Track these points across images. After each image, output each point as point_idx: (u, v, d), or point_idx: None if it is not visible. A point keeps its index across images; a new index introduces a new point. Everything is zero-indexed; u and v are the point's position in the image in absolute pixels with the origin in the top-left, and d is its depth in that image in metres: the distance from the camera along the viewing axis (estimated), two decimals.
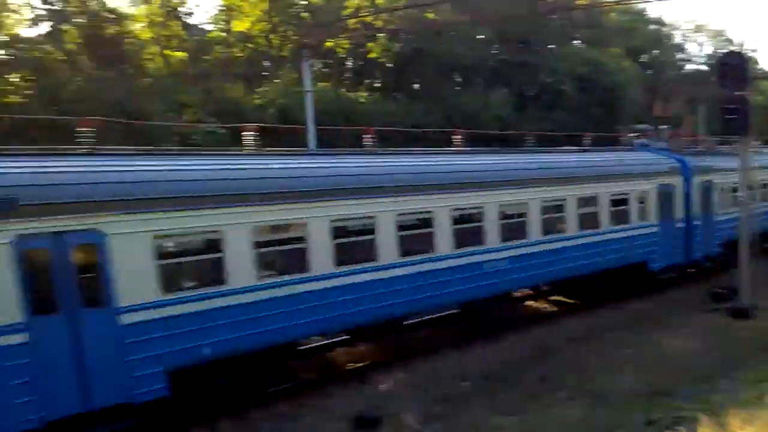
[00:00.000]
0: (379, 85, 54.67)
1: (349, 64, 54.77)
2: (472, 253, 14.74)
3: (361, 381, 12.92)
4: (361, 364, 13.76)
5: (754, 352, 14.35)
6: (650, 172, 19.65)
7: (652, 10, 78.13)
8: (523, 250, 15.75)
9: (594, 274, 17.74)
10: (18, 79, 33.39)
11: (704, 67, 74.18)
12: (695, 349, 15.27)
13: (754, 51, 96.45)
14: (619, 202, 18.38)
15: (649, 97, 60.14)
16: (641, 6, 69.17)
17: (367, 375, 13.24)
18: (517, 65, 55.39)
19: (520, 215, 15.93)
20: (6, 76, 32.70)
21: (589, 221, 17.46)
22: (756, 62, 77.76)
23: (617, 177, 18.34)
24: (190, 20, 48.47)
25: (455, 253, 14.33)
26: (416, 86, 54.16)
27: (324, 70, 53.31)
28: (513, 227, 15.69)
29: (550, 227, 16.42)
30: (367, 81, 54.63)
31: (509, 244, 15.44)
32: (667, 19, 75.92)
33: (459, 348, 14.96)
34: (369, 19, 45.23)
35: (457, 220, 14.35)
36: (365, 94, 48.67)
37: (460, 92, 53.80)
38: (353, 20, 43.16)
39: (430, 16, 46.86)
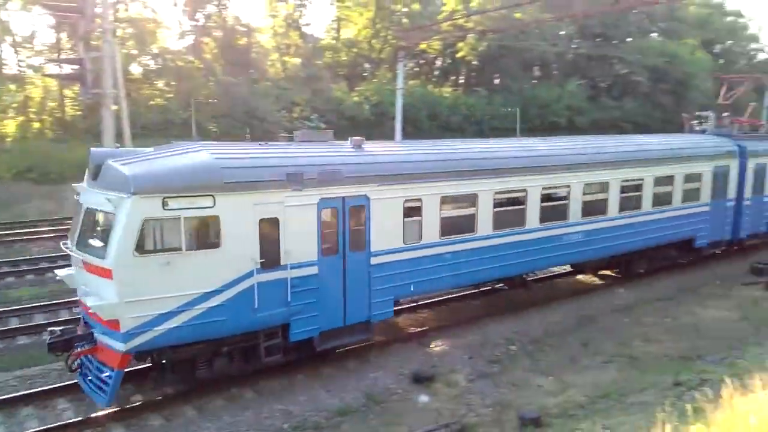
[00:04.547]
0: (463, 80, 53.90)
1: (438, 63, 54.37)
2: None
3: (421, 343, 12.86)
4: (421, 329, 13.61)
5: None
6: (708, 155, 18.55)
7: (731, 2, 71.63)
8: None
9: (660, 246, 17.58)
10: (162, 84, 35.90)
11: None
12: (730, 318, 14.36)
13: None
14: (683, 181, 17.80)
15: (718, 86, 55.66)
16: None
17: (427, 337, 13.16)
18: (595, 58, 52.84)
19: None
20: (155, 82, 35.28)
21: (660, 199, 17.18)
22: None
23: (667, 161, 17.32)
24: (308, 30, 49.70)
25: (556, 223, 14.66)
26: (496, 81, 52.91)
27: (415, 69, 53.27)
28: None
29: (632, 203, 16.47)
30: (452, 78, 54.01)
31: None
32: (744, 11, 69.24)
33: (512, 315, 14.68)
34: (461, 21, 44.64)
35: (547, 197, 14.41)
36: (449, 89, 48.23)
37: (536, 85, 52.10)
38: (447, 23, 42.63)
39: (518, 15, 45.51)
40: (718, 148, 19.03)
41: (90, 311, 9.16)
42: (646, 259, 17.78)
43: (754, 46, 72.01)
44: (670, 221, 17.30)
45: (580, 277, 18.21)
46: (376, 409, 10.31)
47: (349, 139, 11.95)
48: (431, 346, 12.86)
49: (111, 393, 9.05)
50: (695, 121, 23.10)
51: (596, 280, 18.07)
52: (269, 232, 9.92)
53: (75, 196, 10.36)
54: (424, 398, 10.74)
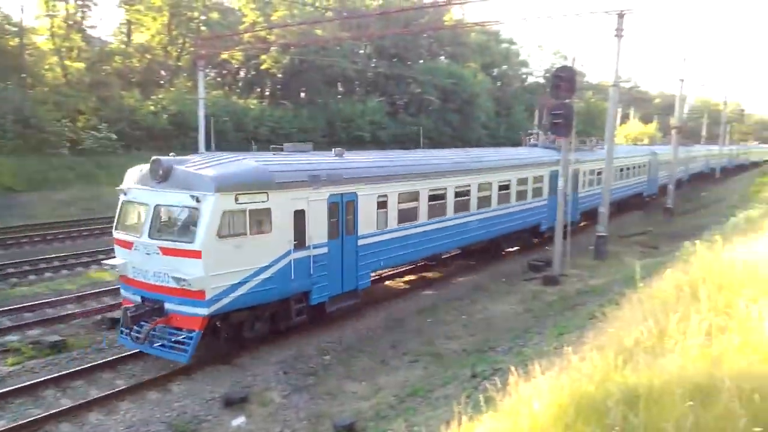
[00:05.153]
0: (269, 93, 53.62)
1: (242, 74, 53.36)
2: (485, 212, 19.88)
3: (232, 364, 12.29)
4: (231, 349, 12.87)
5: (560, 312, 15.11)
6: (546, 162, 23.83)
7: (505, 32, 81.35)
8: (484, 216, 19.91)
9: (503, 236, 21.81)
10: None
11: (542, 80, 78.10)
12: (515, 311, 15.93)
13: (582, 66, 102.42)
14: (532, 182, 22.80)
15: (497, 105, 62.64)
16: (497, 27, 72.07)
17: (239, 357, 12.57)
18: (392, 77, 56.11)
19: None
20: None
21: (520, 195, 21.92)
22: (584, 75, 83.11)
23: (525, 167, 22.45)
24: (94, 32, 45.20)
25: (464, 214, 18.78)
26: (302, 94, 53.58)
27: (218, 79, 51.62)
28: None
29: (505, 199, 21.00)
30: (257, 89, 53.41)
31: (481, 210, 19.65)
32: (516, 39, 79.26)
33: (325, 326, 14.83)
34: (263, 33, 44.28)
35: (458, 194, 18.37)
36: (255, 101, 47.55)
37: (340, 100, 53.82)
38: (248, 34, 41.97)
39: (319, 32, 46.45)
40: (551, 157, 23.91)
41: (159, 287, 11.26)
42: (512, 241, 22.62)
43: (525, 70, 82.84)
44: (527, 212, 22.19)
45: (388, 283, 19.03)
46: None
47: (333, 149, 15.42)
48: (243, 366, 12.39)
49: (191, 350, 11.10)
50: (528, 136, 29.02)
51: (402, 285, 19.04)
52: (299, 220, 12.65)
53: (122, 196, 12.42)
54: (237, 421, 10.31)
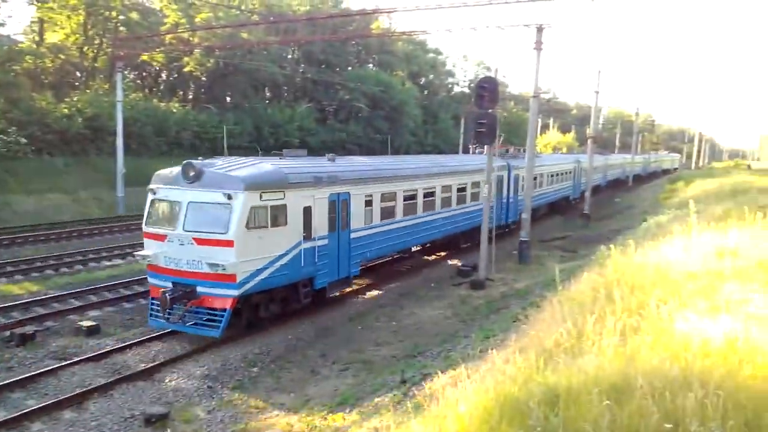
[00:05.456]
0: (192, 96, 52.10)
1: (164, 76, 51.56)
2: (448, 211, 22.62)
3: (153, 379, 11.82)
4: (152, 364, 12.46)
5: (486, 315, 15.49)
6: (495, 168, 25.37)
7: (431, 42, 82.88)
8: (447, 214, 22.52)
9: (454, 234, 24.12)
10: None
11: (467, 90, 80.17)
12: (444, 316, 16.14)
13: (504, 77, 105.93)
14: (477, 186, 24.69)
15: (424, 113, 63.70)
16: (423, 37, 73.34)
17: (160, 372, 12.15)
18: (320, 83, 55.92)
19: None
20: None
21: (475, 196, 24.18)
22: (506, 86, 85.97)
23: (478, 172, 23.95)
24: (2, 31, 42.27)
25: (430, 212, 21.43)
26: (228, 98, 52.41)
27: (137, 81, 49.62)
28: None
29: (463, 199, 23.66)
30: (180, 93, 51.77)
31: (442, 210, 22.20)
32: (443, 49, 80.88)
33: (252, 336, 14.52)
34: (186, 35, 42.95)
35: (426, 195, 20.89)
36: (177, 104, 46.00)
37: (268, 105, 53.07)
38: (170, 35, 40.57)
39: (245, 35, 45.54)
40: (500, 164, 26.41)
41: (192, 273, 13.00)
42: (468, 237, 24.40)
43: (451, 79, 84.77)
44: (480, 211, 22.77)
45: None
46: None
47: (326, 155, 17.91)
48: (166, 380, 11.89)
49: (224, 326, 12.98)
50: (474, 146, 30.57)
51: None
52: (307, 215, 14.62)
53: (152, 195, 13.98)
54: None
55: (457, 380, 8.97)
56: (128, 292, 17.65)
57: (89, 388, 11.10)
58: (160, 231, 13.53)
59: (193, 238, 12.99)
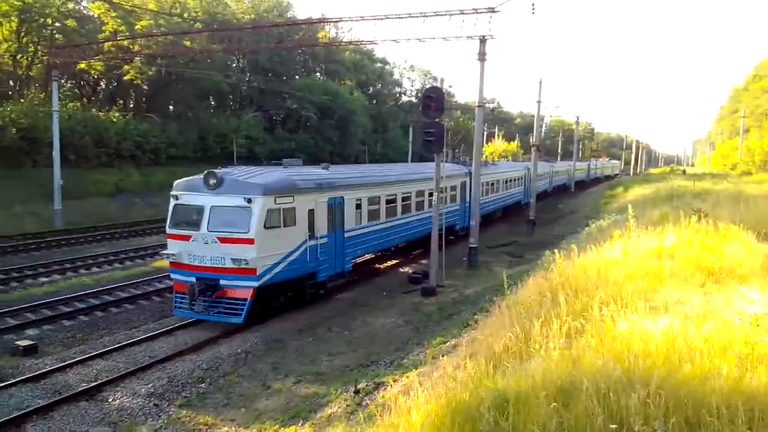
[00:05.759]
0: (133, 105, 50.60)
1: (102, 85, 49.88)
2: (421, 213, 24.70)
3: (95, 399, 11.35)
4: (94, 383, 11.93)
5: (437, 322, 15.62)
6: (459, 174, 29.32)
7: (379, 51, 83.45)
8: (420, 216, 24.67)
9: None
10: None
11: (414, 99, 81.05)
12: (396, 324, 16.16)
13: (450, 87, 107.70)
14: (450, 190, 27.11)
15: (373, 123, 64.00)
16: (370, 47, 73.77)
17: (102, 392, 11.66)
18: (267, 92, 55.34)
19: (410, 198, 24.66)
20: None
21: (431, 203, 24.55)
22: (453, 96, 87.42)
23: (451, 177, 26.34)
24: None
25: (407, 215, 23.79)
26: (171, 107, 51.17)
27: (75, 90, 47.85)
28: (419, 203, 24.84)
29: (420, 206, 25.00)
30: (120, 102, 50.21)
31: (416, 213, 24.47)
32: (390, 59, 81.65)
33: (199, 350, 14.18)
34: (125, 43, 41.69)
35: (403, 199, 23.25)
36: (118, 114, 44.56)
37: (213, 114, 52.13)
38: (109, 43, 39.24)
39: (188, 43, 44.55)
40: (462, 171, 29.79)
41: (215, 268, 14.78)
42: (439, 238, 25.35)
43: (398, 89, 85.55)
44: (448, 214, 25.48)
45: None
46: None
47: (321, 164, 20.26)
48: (109, 400, 11.45)
49: (246, 314, 14.82)
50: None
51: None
52: (311, 217, 16.58)
53: (174, 201, 15.77)
54: None
55: (409, 388, 9.00)
56: (68, 309, 16.92)
57: (27, 410, 10.58)
58: (184, 232, 15.28)
59: (217, 237, 14.77)
